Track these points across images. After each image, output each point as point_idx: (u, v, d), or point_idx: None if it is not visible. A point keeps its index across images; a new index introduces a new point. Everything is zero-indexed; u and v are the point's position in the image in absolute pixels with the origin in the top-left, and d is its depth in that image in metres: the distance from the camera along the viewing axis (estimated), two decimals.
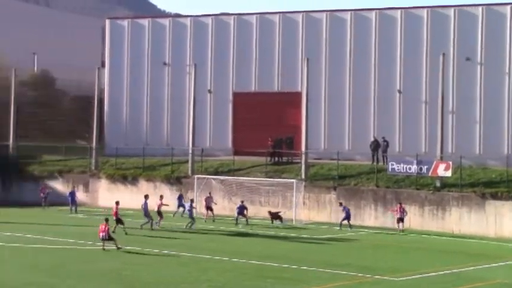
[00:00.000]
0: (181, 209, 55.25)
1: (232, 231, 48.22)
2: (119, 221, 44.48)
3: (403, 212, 50.48)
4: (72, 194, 59.58)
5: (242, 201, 53.56)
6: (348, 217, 50.87)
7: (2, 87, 75.07)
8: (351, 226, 50.49)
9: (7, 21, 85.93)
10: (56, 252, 37.79)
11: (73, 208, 58.47)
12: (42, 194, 60.71)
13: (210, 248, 40.48)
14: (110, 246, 38.23)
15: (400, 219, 50.24)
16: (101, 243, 38.44)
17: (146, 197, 49.35)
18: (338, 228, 50.27)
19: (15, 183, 67.41)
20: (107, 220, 38.91)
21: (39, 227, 48.65)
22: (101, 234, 38.32)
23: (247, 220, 52.22)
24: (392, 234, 48.75)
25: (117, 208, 45.07)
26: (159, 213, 49.59)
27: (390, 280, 32.11)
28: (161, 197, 52.15)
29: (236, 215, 52.36)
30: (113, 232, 41.37)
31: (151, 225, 47.73)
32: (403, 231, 49.71)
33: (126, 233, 43.90)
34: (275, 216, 52.61)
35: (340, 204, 52.07)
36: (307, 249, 41.81)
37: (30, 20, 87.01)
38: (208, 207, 53.78)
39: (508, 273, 34.90)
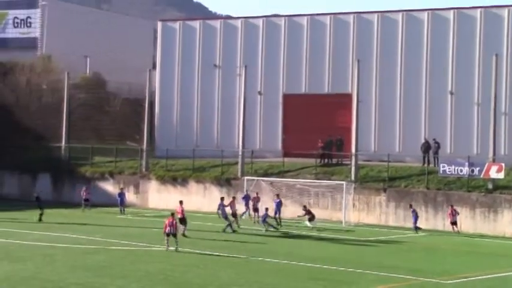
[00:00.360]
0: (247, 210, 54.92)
1: (281, 233, 48.09)
2: (182, 220, 43.90)
3: (454, 214, 50.11)
4: (122, 195, 60.00)
5: (278, 195, 53.71)
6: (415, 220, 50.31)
7: (55, 89, 76.23)
8: (416, 229, 50.03)
9: (60, 24, 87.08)
10: (105, 252, 38.07)
11: (122, 209, 58.83)
12: (83, 196, 60.01)
13: (260, 249, 40.45)
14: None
15: (453, 223, 50.01)
16: (166, 240, 38.27)
17: (222, 199, 49.36)
18: (414, 232, 49.49)
19: (66, 184, 68.30)
20: (173, 214, 39.04)
21: (89, 227, 49.14)
22: (168, 228, 38.18)
23: (278, 220, 51.67)
24: (442, 236, 48.20)
25: (181, 208, 44.54)
26: (234, 215, 49.50)
27: (439, 283, 31.76)
28: (234, 198, 51.92)
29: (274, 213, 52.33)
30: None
31: (230, 227, 47.41)
32: (458, 232, 49.70)
33: (184, 235, 43.27)
34: (309, 212, 52.00)
35: (410, 206, 51.28)
36: (356, 251, 41.57)
37: (82, 22, 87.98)
38: (256, 208, 53.63)
39: None
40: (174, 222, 38.49)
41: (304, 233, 48.13)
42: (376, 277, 32.67)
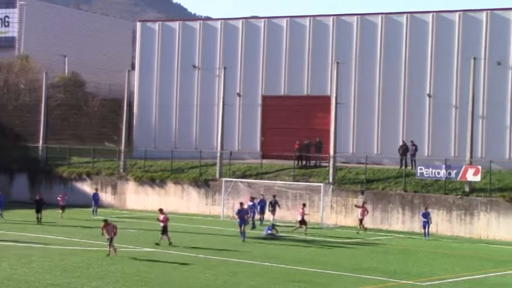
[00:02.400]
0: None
1: (261, 235, 48.10)
2: (165, 229, 41.57)
3: (364, 212, 50.63)
4: (96, 195, 59.26)
5: (262, 195, 53.74)
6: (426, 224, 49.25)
7: (32, 89, 75.96)
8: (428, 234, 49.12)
9: (38, 24, 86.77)
10: (82, 253, 37.92)
11: (95, 210, 57.94)
12: (60, 203, 56.63)
13: (238, 251, 40.41)
14: (136, 248, 38.27)
15: (360, 220, 50.51)
16: (108, 245, 36.72)
17: (241, 204, 47.69)
18: (425, 238, 48.71)
19: (44, 184, 67.96)
20: (105, 221, 37.38)
21: (67, 228, 48.98)
22: (106, 234, 36.80)
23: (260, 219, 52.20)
24: (419, 239, 48.36)
25: (164, 216, 41.74)
26: (303, 221, 49.11)
27: (415, 285, 31.87)
28: (304, 205, 51.21)
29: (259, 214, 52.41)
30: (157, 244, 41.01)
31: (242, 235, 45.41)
32: (363, 230, 50.08)
33: (171, 244, 41.56)
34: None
35: (426, 209, 50.25)
36: (333, 253, 41.63)
37: (61, 22, 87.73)
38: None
39: None
40: (113, 227, 36.67)
41: (283, 234, 48.10)
42: (354, 279, 32.73)
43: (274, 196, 54.57)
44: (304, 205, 51.10)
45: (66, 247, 40.16)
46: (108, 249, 36.86)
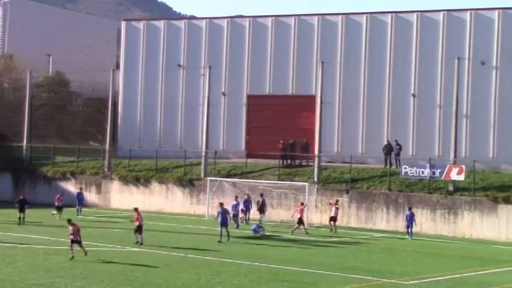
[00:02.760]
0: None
1: (246, 234, 48.13)
2: (139, 228, 41.27)
3: (336, 210, 50.57)
4: (80, 194, 58.73)
5: (248, 195, 53.68)
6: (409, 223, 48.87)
7: (16, 88, 75.72)
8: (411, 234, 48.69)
9: (23, 23, 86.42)
10: (66, 253, 37.72)
11: (79, 209, 57.40)
12: (56, 203, 55.80)
13: (222, 250, 40.41)
14: (120, 247, 38.16)
15: (333, 218, 50.37)
16: (71, 248, 35.56)
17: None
18: (409, 238, 48.38)
19: (28, 184, 67.74)
20: (69, 220, 36.82)
21: (51, 228, 48.82)
22: (72, 236, 35.68)
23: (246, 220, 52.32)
24: (403, 238, 48.49)
25: (138, 215, 41.48)
26: (301, 220, 49.04)
27: (399, 284, 31.95)
28: (302, 204, 50.94)
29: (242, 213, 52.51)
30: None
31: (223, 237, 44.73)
32: (336, 231, 49.81)
33: (141, 244, 41.22)
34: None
35: (410, 209, 49.96)
36: (318, 252, 41.68)
37: (45, 21, 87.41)
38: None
39: None
40: (77, 229, 35.69)
41: (268, 233, 48.16)
42: (338, 278, 32.78)
43: (261, 195, 54.56)
44: (302, 204, 50.85)
45: (50, 247, 40.02)
46: (71, 251, 35.45)
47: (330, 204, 51.87)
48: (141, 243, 40.90)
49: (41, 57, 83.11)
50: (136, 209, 42.38)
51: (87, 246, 38.16)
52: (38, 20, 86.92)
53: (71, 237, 35.65)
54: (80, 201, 58.07)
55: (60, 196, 56.21)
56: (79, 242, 35.66)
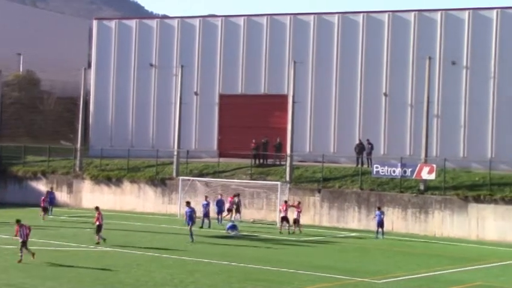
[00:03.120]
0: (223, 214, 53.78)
1: (219, 234, 48.11)
2: (99, 228, 41.19)
3: (299, 212, 49.77)
4: (51, 194, 58.05)
5: (221, 195, 53.59)
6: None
7: None
8: (383, 233, 48.54)
9: None
10: (37, 253, 37.50)
11: (50, 209, 56.56)
12: (42, 204, 55.09)
13: (194, 250, 40.36)
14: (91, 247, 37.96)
15: (284, 219, 49.45)
16: (20, 250, 34.60)
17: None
18: (380, 237, 48.05)
19: None
20: (18, 221, 36.43)
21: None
22: (20, 237, 35.52)
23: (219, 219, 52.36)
24: (374, 237, 48.67)
25: (99, 214, 41.35)
26: (285, 218, 48.94)
27: (371, 282, 32.10)
28: (285, 202, 50.71)
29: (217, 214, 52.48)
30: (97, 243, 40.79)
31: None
32: (297, 230, 49.19)
33: (97, 243, 41.13)
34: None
35: (379, 208, 49.88)
36: (290, 251, 41.74)
37: (15, 20, 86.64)
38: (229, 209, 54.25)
39: (488, 276, 34.97)
40: (26, 229, 34.83)
41: (242, 233, 48.16)
42: (310, 277, 32.88)
43: (238, 195, 54.52)
44: (286, 202, 50.68)
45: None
46: (20, 254, 34.59)
47: (292, 206, 50.75)
48: (98, 242, 40.69)
49: (11, 55, 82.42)
50: (97, 208, 42.13)
51: (60, 246, 38.04)
52: (8, 19, 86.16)
53: (21, 238, 34.73)
54: (50, 200, 57.59)
55: (45, 197, 55.75)
56: (26, 243, 34.76)
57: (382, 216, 48.99)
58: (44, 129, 77.99)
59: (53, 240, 42.51)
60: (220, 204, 53.38)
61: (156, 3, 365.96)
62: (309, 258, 38.67)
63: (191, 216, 43.41)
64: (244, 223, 53.00)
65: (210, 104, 67.81)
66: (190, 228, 43.20)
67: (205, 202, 51.68)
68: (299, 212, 50.01)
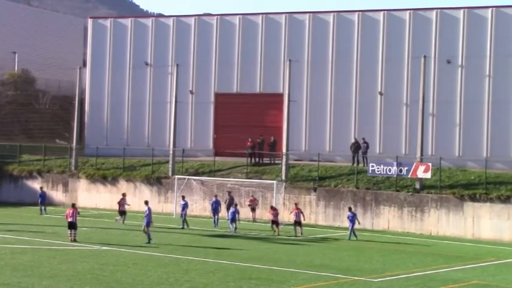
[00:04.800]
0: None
1: (215, 233, 48.10)
2: (72, 225, 41.29)
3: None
4: (42, 194, 57.73)
5: (216, 196, 53.30)
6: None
7: None
8: (355, 234, 46.91)
9: None
10: (33, 252, 37.55)
11: (44, 208, 56.68)
12: (120, 208, 52.32)
13: (190, 249, 40.37)
14: (88, 246, 37.95)
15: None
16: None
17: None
18: (355, 238, 46.65)
19: None
20: (73, 205, 36.63)
21: (17, 227, 48.44)
22: (70, 219, 35.54)
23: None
24: (370, 235, 48.74)
25: (72, 211, 41.44)
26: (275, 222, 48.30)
27: (368, 281, 32.11)
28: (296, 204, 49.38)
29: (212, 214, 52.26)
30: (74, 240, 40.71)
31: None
32: (275, 231, 47.61)
33: (75, 240, 41.18)
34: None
35: (350, 209, 48.87)
36: (286, 250, 41.76)
37: (11, 18, 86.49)
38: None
39: (484, 275, 35.01)
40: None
41: (236, 232, 48.17)
42: (306, 276, 32.88)
43: (229, 193, 54.38)
44: (296, 204, 49.10)
45: (16, 246, 39.69)
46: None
47: (272, 208, 49.32)
48: (74, 239, 40.66)
49: (6, 54, 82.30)
50: (73, 205, 42.35)
51: (55, 245, 37.98)
52: (3, 17, 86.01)
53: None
54: (42, 200, 57.22)
55: (121, 200, 52.51)
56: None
57: (353, 217, 47.10)
58: (40, 128, 77.88)
59: (49, 239, 42.45)
60: (216, 205, 52.32)
61: (151, 2, 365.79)
62: (305, 257, 38.68)
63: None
64: (243, 222, 52.88)
65: (205, 103, 67.81)
66: (145, 228, 42.29)
67: (183, 202, 50.54)
68: (276, 213, 48.44)
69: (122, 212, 51.72)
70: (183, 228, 49.48)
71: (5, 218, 53.08)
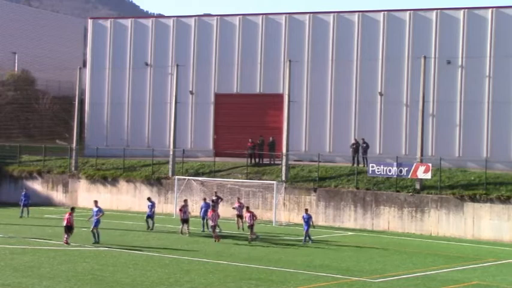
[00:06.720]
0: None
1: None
2: (69, 228, 40.81)
3: (252, 217, 44.40)
4: (25, 195, 55.65)
5: (205, 199, 52.21)
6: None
7: None
8: (310, 238, 44.22)
9: None
10: (33, 252, 37.57)
11: (27, 211, 54.72)
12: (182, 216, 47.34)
13: (192, 249, 40.37)
14: (89, 247, 37.97)
15: (250, 226, 44.25)
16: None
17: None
18: (309, 242, 44.10)
19: None
20: (72, 209, 36.56)
21: (17, 227, 48.44)
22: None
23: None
24: (370, 236, 48.75)
25: (69, 215, 40.89)
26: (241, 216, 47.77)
27: (368, 282, 32.12)
28: (306, 210, 46.44)
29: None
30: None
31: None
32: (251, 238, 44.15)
33: (67, 243, 40.70)
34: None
35: (306, 211, 45.82)
36: (287, 251, 41.75)
37: (11, 19, 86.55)
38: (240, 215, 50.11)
39: (484, 275, 35.01)
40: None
41: (235, 232, 48.16)
42: (306, 276, 32.89)
43: (215, 193, 52.52)
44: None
45: (16, 246, 39.70)
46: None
47: (248, 211, 45.60)
48: (67, 243, 40.48)
49: (6, 55, 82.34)
50: (72, 209, 41.84)
51: (55, 246, 37.96)
52: (3, 18, 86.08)
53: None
54: (25, 202, 54.99)
55: (182, 207, 47.40)
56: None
57: (309, 219, 44.22)
58: (40, 129, 77.93)
59: (49, 239, 42.46)
60: (206, 208, 48.57)
61: (151, 3, 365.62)
62: (305, 258, 38.67)
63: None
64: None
65: (205, 104, 67.80)
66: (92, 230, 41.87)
67: (149, 203, 48.65)
68: (252, 216, 44.53)
69: (185, 220, 46.70)
70: (148, 228, 47.93)
71: (5, 218, 53.04)
